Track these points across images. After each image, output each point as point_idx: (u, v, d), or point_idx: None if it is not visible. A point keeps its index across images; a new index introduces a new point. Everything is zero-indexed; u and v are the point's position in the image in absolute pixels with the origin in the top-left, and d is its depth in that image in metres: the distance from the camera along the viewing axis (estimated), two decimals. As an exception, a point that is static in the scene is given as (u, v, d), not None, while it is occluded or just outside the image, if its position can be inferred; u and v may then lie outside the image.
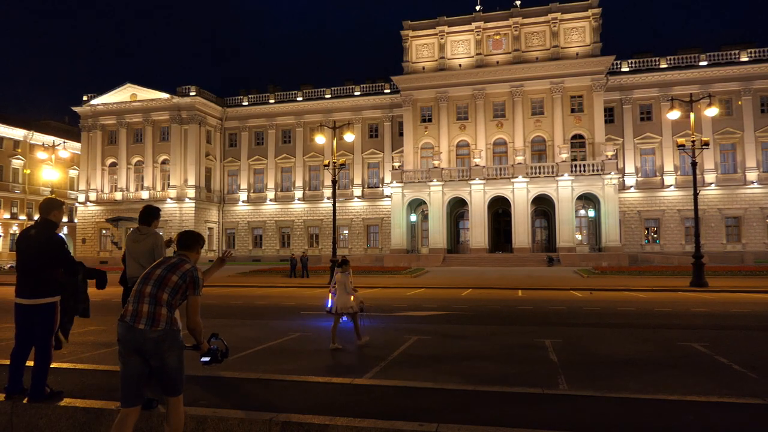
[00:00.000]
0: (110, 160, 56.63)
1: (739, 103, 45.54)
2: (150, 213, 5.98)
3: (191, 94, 54.29)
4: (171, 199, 53.37)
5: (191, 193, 53.49)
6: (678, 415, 4.82)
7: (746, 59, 45.71)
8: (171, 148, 54.27)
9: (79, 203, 57.06)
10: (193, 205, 53.30)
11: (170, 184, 54.00)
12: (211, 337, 4.20)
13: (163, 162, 55.06)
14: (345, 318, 9.35)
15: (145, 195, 54.09)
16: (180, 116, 54.15)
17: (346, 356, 8.14)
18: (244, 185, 57.35)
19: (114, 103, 55.86)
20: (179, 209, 53.15)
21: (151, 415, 4.46)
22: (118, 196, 55.21)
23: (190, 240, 4.07)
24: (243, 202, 57.21)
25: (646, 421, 4.64)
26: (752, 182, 44.91)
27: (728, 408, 5.04)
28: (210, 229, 56.16)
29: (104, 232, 55.37)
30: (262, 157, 56.91)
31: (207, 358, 4.06)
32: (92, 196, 56.21)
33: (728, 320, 12.40)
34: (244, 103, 58.01)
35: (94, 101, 56.54)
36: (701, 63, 46.62)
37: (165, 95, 54.66)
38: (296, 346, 8.97)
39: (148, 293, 3.76)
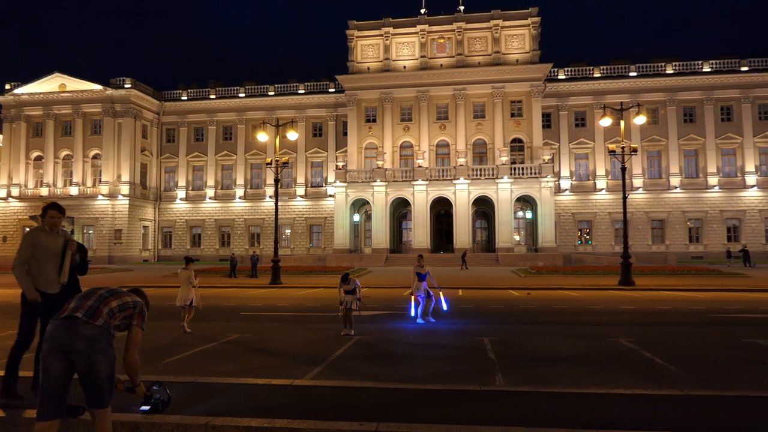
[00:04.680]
0: (35, 154, 53.32)
1: (663, 112, 48.49)
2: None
3: (126, 86, 51.92)
4: (102, 195, 50.87)
5: (125, 189, 51.16)
6: (606, 406, 5.07)
7: (671, 71, 48.73)
8: (103, 142, 51.69)
9: (0, 199, 53.41)
10: (127, 202, 51.01)
11: (102, 179, 51.44)
12: (153, 385, 3.93)
13: (95, 156, 52.40)
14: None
15: (74, 191, 51.29)
16: (114, 109, 51.71)
17: (286, 357, 8.05)
18: (182, 182, 55.46)
19: (41, 93, 52.63)
20: (112, 206, 50.74)
21: (77, 422, 4.21)
22: (44, 191, 52.04)
23: (141, 295, 4.13)
24: (181, 199, 55.32)
25: (578, 414, 4.85)
26: (675, 187, 47.91)
27: (651, 399, 5.36)
28: (145, 227, 53.96)
29: (27, 230, 51.92)
30: (202, 153, 55.26)
31: (147, 407, 3.79)
32: (14, 192, 52.73)
33: (653, 317, 13.17)
34: (183, 98, 56.11)
35: (18, 90, 53.04)
36: (631, 74, 49.26)
37: (97, 86, 52.02)
38: (236, 348, 8.77)
39: (99, 294, 3.67)
